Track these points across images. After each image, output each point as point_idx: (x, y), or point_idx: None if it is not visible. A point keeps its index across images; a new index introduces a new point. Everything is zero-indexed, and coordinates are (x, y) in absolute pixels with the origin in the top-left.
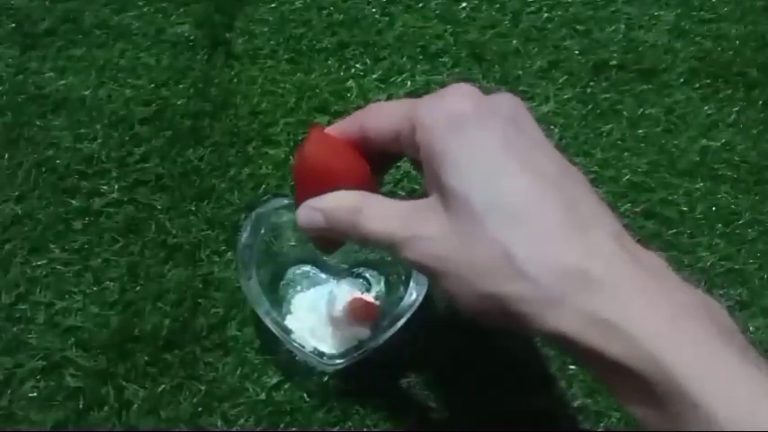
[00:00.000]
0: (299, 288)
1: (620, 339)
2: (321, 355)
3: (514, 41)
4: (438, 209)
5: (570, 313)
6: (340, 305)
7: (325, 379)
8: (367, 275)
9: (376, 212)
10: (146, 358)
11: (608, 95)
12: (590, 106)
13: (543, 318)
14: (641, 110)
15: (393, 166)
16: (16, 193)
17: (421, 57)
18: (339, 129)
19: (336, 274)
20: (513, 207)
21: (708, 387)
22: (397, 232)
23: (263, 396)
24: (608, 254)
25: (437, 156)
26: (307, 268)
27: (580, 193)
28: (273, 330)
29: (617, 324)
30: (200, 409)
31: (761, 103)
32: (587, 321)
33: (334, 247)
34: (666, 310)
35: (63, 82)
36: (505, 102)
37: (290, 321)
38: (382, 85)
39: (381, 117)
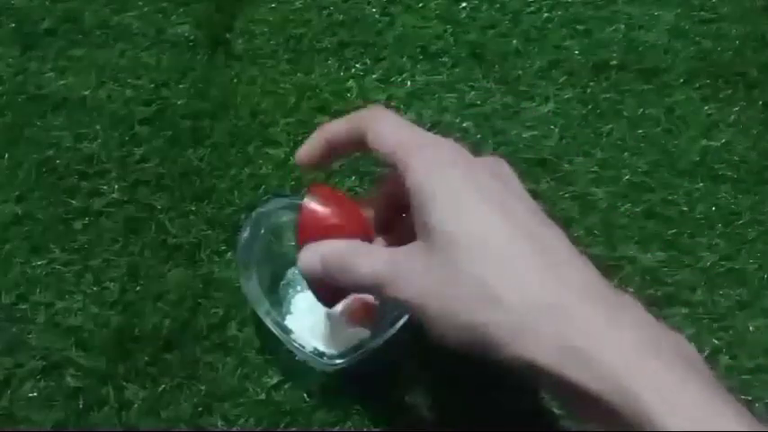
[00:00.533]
0: (299, 288)
1: (589, 367)
2: (321, 355)
3: (514, 41)
4: (422, 248)
5: (542, 341)
6: (340, 305)
7: (326, 379)
8: None
9: (365, 257)
10: (146, 358)
11: (608, 95)
12: (590, 106)
13: (516, 345)
14: (641, 110)
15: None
16: (16, 193)
17: (421, 57)
18: (331, 137)
19: None
20: (491, 245)
21: (671, 414)
22: (382, 273)
23: (263, 396)
24: (579, 288)
25: (423, 196)
26: None
27: (555, 241)
28: (273, 330)
29: (587, 352)
30: (200, 409)
31: (761, 103)
32: (558, 349)
33: (334, 301)
34: (635, 341)
35: (63, 82)
36: (491, 159)
37: (290, 321)
38: (382, 85)
39: (381, 143)
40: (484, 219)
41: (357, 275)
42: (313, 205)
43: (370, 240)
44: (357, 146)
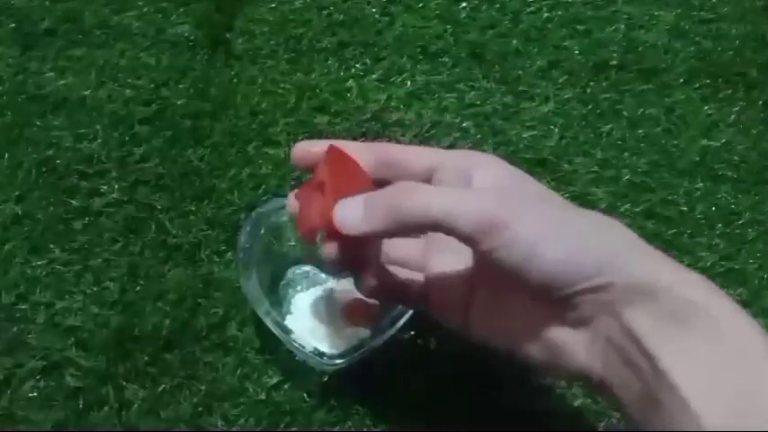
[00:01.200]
0: (299, 288)
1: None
2: (321, 355)
3: (514, 41)
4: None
5: (645, 310)
6: (340, 305)
7: (326, 379)
8: None
9: (424, 188)
10: (146, 358)
11: (608, 95)
12: (590, 106)
13: (622, 308)
14: (641, 110)
15: None
16: (16, 193)
17: (421, 57)
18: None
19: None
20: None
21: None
22: (494, 211)
23: (263, 396)
24: (667, 266)
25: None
26: (307, 268)
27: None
28: (273, 330)
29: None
30: (200, 409)
31: (761, 103)
32: (657, 321)
33: (342, 269)
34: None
35: (63, 82)
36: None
37: (290, 321)
38: (382, 85)
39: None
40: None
41: (420, 203)
42: (340, 154)
43: None
44: None
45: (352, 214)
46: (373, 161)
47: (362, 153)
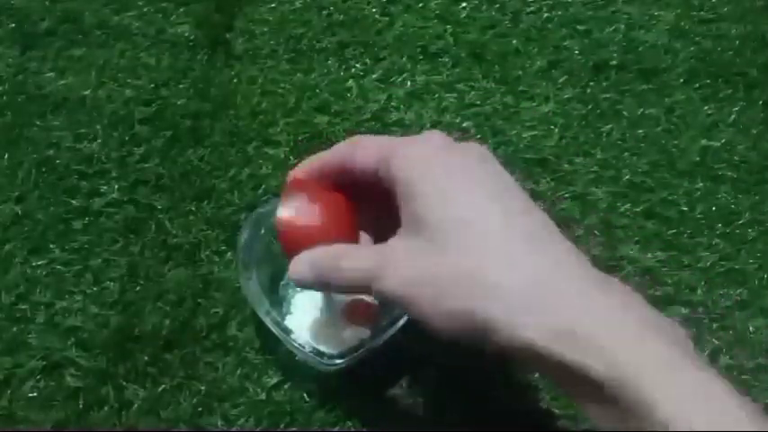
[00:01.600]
0: (299, 288)
1: (587, 350)
2: (321, 355)
3: (514, 41)
4: (409, 238)
5: (539, 324)
6: (340, 305)
7: (325, 379)
8: None
9: (351, 257)
10: (146, 358)
11: (608, 95)
12: (590, 106)
13: (513, 329)
14: (641, 110)
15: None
16: (16, 193)
17: (421, 57)
18: (321, 164)
19: None
20: (480, 230)
21: (666, 394)
22: (369, 269)
23: (263, 396)
24: (571, 270)
25: (410, 186)
26: None
27: (541, 223)
28: (273, 330)
29: (585, 334)
30: (200, 409)
31: (761, 103)
32: (556, 332)
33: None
34: (630, 323)
35: (63, 82)
36: (474, 146)
37: (290, 321)
38: (382, 85)
39: (365, 154)
40: (470, 204)
41: (346, 277)
42: (287, 217)
43: (356, 232)
44: (345, 171)
45: (301, 274)
46: (333, 177)
47: (325, 169)
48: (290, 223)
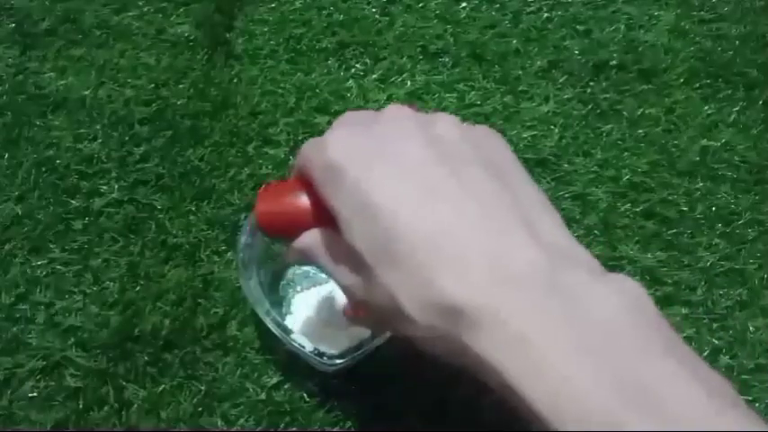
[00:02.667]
0: (299, 288)
1: (487, 372)
2: (321, 355)
3: (514, 41)
4: (351, 258)
5: (454, 346)
6: (340, 305)
7: (325, 379)
8: None
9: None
10: (146, 358)
11: (608, 95)
12: (590, 106)
13: (437, 352)
14: (641, 110)
15: None
16: (16, 193)
17: (421, 57)
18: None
19: None
20: (391, 252)
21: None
22: (337, 280)
23: (263, 396)
24: (482, 284)
25: (333, 212)
26: (307, 268)
27: (495, 205)
28: (273, 330)
29: (484, 358)
30: (200, 409)
31: (761, 103)
32: (467, 355)
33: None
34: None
35: (63, 82)
36: (390, 123)
37: (289, 321)
38: (382, 85)
39: (301, 158)
40: (389, 220)
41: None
42: (263, 218)
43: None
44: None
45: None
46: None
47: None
48: (263, 223)
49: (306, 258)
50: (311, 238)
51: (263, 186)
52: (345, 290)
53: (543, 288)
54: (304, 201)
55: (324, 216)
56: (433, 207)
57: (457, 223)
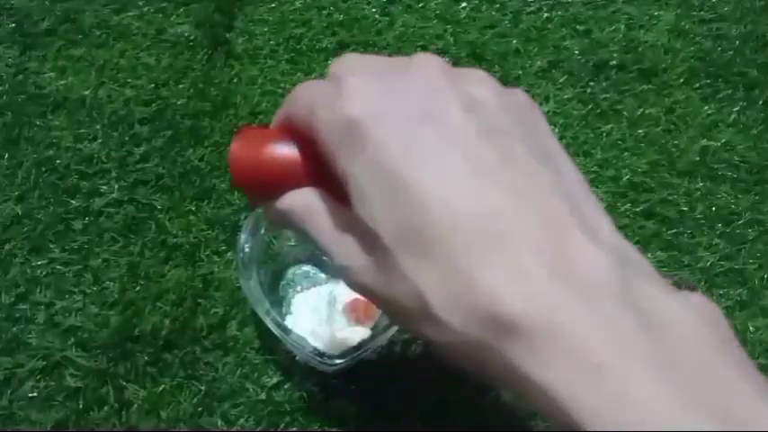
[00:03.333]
0: (299, 288)
1: (536, 396)
2: (321, 355)
3: (514, 41)
4: (360, 235)
5: (493, 361)
6: (340, 305)
7: (325, 379)
8: None
9: (322, 225)
10: (146, 358)
11: (608, 95)
12: (590, 106)
13: (463, 362)
14: (641, 110)
15: None
16: (16, 193)
17: None
18: (278, 117)
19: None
20: (422, 236)
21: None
22: (335, 257)
23: (263, 396)
24: (542, 291)
25: (342, 179)
26: (307, 268)
27: (533, 193)
28: (273, 330)
29: (536, 382)
30: (200, 409)
31: (761, 103)
32: (509, 373)
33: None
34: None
35: (63, 82)
36: (418, 85)
37: (289, 321)
38: None
39: (296, 107)
40: (417, 202)
41: (320, 243)
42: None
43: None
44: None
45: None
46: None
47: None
48: (236, 171)
49: (291, 223)
50: (304, 199)
51: (242, 128)
52: (344, 272)
53: (617, 302)
54: (294, 153)
55: (318, 176)
56: (478, 187)
57: (506, 209)
